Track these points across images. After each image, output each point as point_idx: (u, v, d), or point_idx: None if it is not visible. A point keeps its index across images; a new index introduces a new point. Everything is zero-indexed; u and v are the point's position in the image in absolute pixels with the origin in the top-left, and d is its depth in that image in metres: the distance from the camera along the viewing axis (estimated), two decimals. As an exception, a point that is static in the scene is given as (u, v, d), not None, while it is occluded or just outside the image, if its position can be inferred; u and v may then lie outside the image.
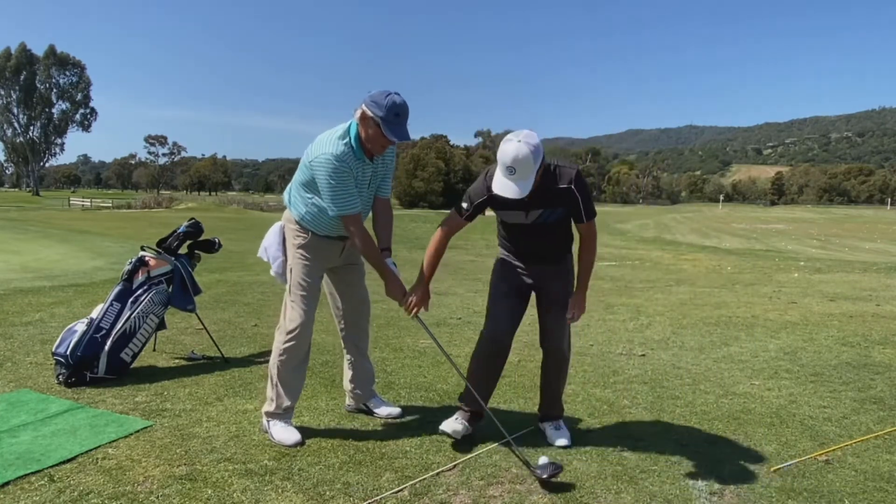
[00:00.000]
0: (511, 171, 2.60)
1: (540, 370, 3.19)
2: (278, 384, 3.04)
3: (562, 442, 3.03)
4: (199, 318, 4.63)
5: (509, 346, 3.06)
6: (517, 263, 3.03)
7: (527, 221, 2.87)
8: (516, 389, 3.86)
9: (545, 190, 2.74)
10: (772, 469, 2.77)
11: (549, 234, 2.91)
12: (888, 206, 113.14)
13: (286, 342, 3.03)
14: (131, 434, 3.01)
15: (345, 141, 2.84)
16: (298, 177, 3.00)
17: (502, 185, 2.65)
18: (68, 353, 3.73)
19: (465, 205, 2.87)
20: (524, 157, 2.57)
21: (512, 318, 3.03)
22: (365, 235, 2.93)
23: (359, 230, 2.92)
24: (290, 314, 3.05)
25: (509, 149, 2.60)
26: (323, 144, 2.84)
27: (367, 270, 3.32)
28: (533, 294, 3.09)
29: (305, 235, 3.04)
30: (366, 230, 2.95)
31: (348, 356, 3.39)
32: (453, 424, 2.99)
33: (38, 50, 75.78)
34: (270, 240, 3.24)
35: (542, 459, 2.69)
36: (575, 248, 3.02)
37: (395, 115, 2.73)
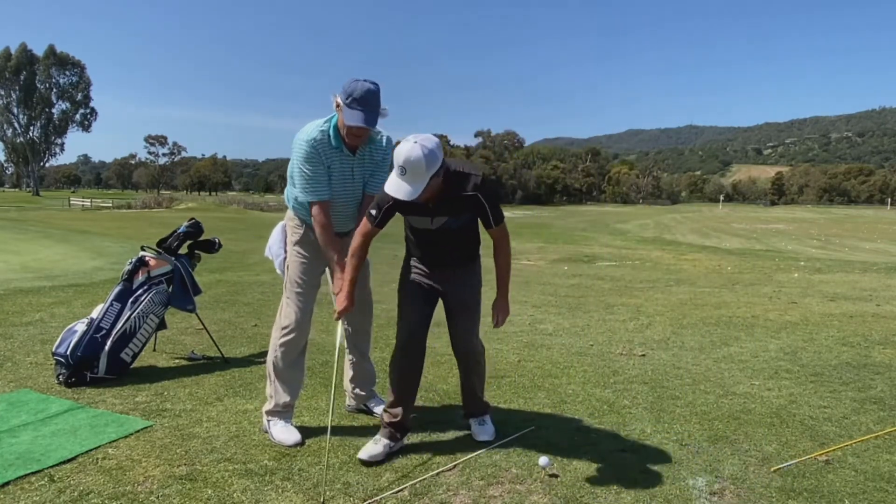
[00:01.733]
0: (402, 171, 2.53)
1: (459, 371, 3.14)
2: (276, 381, 3.06)
3: (484, 437, 3.04)
4: (199, 318, 4.63)
5: (424, 350, 2.99)
6: (424, 269, 2.97)
7: (432, 227, 2.82)
8: (516, 389, 3.86)
9: (450, 196, 2.70)
10: (772, 469, 2.77)
11: (455, 239, 2.88)
12: (888, 206, 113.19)
13: (281, 338, 3.05)
14: (131, 434, 3.01)
15: (322, 129, 2.89)
16: (289, 170, 3.06)
17: (395, 186, 2.57)
18: (68, 353, 3.73)
19: (373, 211, 2.79)
20: (416, 160, 2.50)
21: (422, 324, 2.97)
22: (326, 226, 2.92)
23: (321, 219, 2.92)
24: (286, 310, 3.07)
25: (403, 149, 2.54)
26: (303, 131, 2.91)
27: (371, 271, 3.33)
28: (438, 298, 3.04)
29: (301, 231, 3.07)
30: (328, 222, 2.94)
31: (349, 357, 3.39)
32: (372, 449, 2.83)
33: (38, 50, 75.89)
34: (274, 238, 3.28)
35: (543, 460, 2.69)
36: (484, 251, 3.02)
37: (354, 99, 2.74)
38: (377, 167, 3.06)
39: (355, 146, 2.95)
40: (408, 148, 2.52)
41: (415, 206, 2.71)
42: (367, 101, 2.76)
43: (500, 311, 2.93)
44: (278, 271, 3.25)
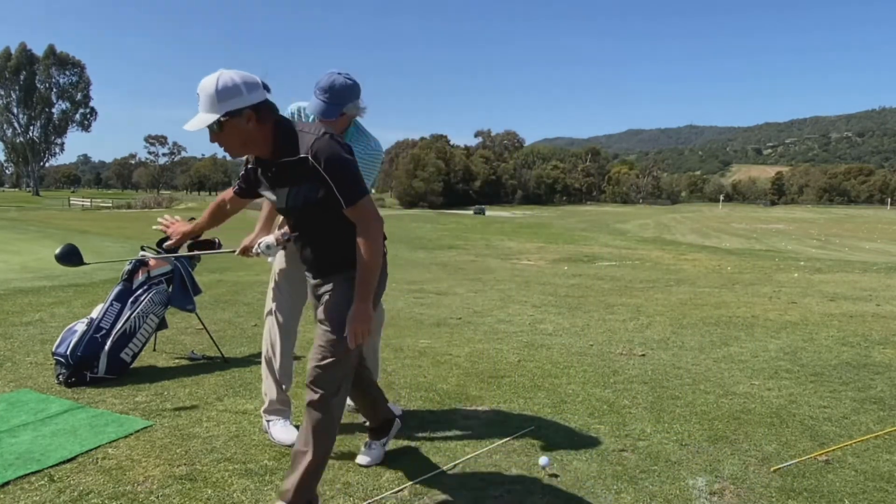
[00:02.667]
0: (198, 98, 2.12)
1: None
2: (267, 376, 3.08)
3: None
4: (199, 318, 4.63)
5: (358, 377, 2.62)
6: (306, 272, 2.46)
7: (281, 205, 2.29)
8: (516, 389, 3.86)
9: (283, 161, 2.18)
10: (772, 469, 2.77)
11: (312, 226, 2.28)
12: (888, 206, 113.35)
13: (265, 331, 3.09)
14: (131, 434, 3.01)
15: (302, 107, 2.95)
16: None
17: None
18: (68, 353, 3.73)
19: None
20: (207, 86, 2.07)
21: None
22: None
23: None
24: (267, 301, 3.13)
25: None
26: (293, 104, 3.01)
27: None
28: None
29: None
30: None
31: None
32: (366, 453, 2.77)
33: (38, 50, 75.97)
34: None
35: (543, 460, 2.69)
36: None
37: (318, 88, 2.77)
38: None
39: None
40: (208, 76, 2.13)
41: (262, 178, 2.30)
42: (329, 92, 2.74)
43: (354, 320, 2.17)
44: (269, 260, 3.23)
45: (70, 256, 3.41)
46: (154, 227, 3.01)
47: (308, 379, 2.25)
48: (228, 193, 2.61)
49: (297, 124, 2.21)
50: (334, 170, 2.12)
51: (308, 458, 2.22)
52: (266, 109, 2.14)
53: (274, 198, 2.30)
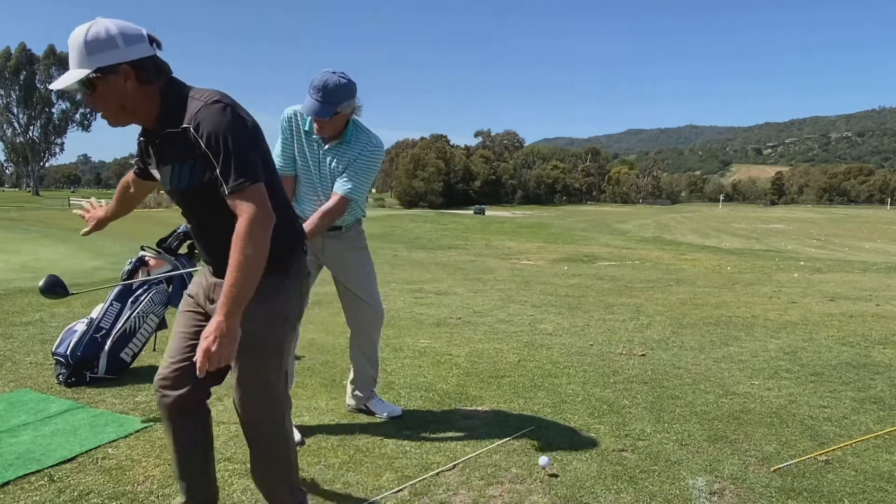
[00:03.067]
0: (69, 53, 1.80)
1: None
2: None
3: None
4: (199, 318, 4.62)
5: (187, 401, 2.02)
6: (205, 275, 2.06)
7: (166, 187, 1.93)
8: (516, 389, 3.86)
9: (167, 133, 1.82)
10: (772, 469, 2.77)
11: (205, 215, 1.92)
12: (888, 206, 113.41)
13: None
14: (131, 434, 3.01)
15: (297, 109, 2.96)
16: None
17: None
18: (68, 352, 3.73)
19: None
20: (76, 37, 1.75)
21: (181, 357, 2.01)
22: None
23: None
24: None
25: None
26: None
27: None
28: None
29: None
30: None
31: (353, 358, 3.38)
32: None
33: (38, 50, 75.97)
34: None
35: (543, 460, 2.69)
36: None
37: (312, 87, 2.78)
38: (349, 164, 2.95)
39: (324, 137, 2.93)
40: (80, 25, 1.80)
41: (151, 150, 1.93)
42: (322, 91, 2.74)
43: (210, 336, 1.72)
44: None
45: (54, 288, 3.44)
46: (75, 211, 2.91)
47: (242, 424, 2.00)
48: (131, 175, 2.21)
49: (188, 87, 1.85)
50: (217, 145, 1.72)
51: (279, 459, 2.06)
52: (152, 68, 1.78)
53: (159, 177, 1.94)
